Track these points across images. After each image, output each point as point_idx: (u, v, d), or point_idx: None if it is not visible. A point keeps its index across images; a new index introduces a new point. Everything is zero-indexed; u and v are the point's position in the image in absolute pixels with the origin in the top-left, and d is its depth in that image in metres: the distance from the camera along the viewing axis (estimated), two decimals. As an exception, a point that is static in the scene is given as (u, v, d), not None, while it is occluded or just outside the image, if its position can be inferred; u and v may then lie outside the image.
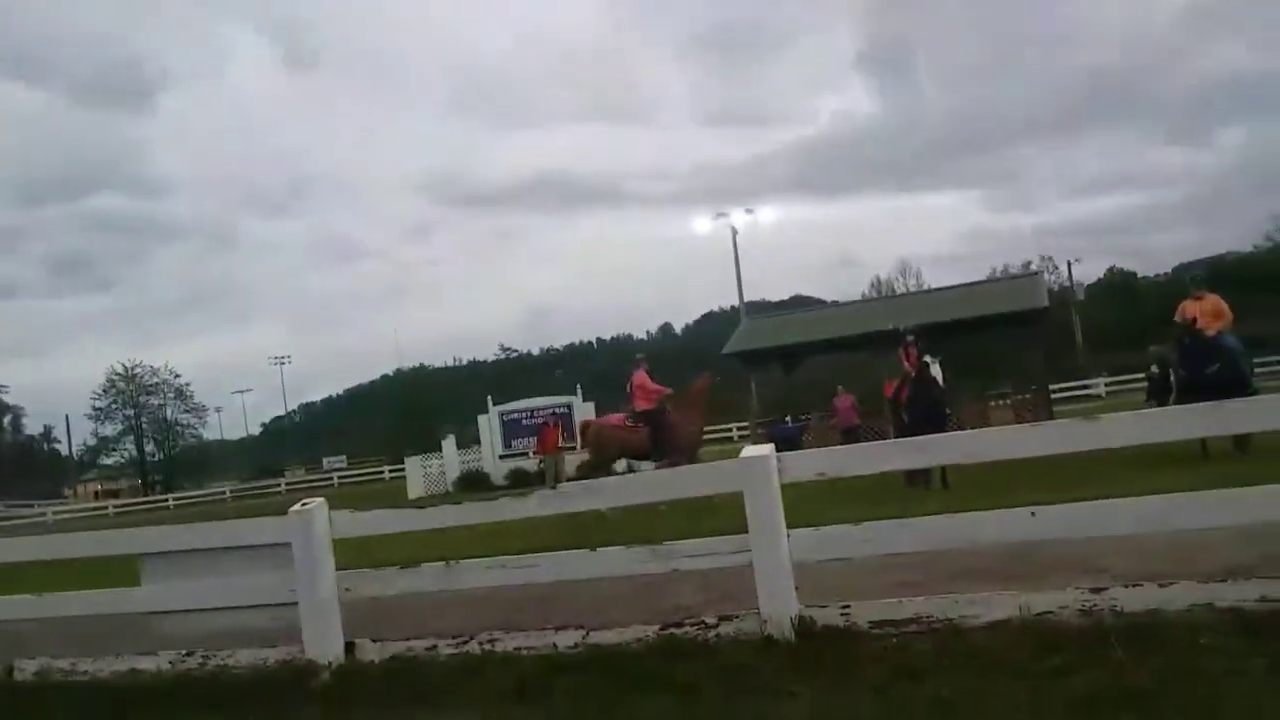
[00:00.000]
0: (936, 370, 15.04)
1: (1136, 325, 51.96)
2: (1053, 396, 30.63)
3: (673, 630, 5.21)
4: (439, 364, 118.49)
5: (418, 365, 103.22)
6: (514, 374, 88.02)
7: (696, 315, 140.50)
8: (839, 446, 5.53)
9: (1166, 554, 5.56)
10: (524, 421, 33.67)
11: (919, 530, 5.02)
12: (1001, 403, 25.55)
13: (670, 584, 6.50)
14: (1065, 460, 5.65)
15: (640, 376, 16.67)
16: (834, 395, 23.61)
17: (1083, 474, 11.64)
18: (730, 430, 48.89)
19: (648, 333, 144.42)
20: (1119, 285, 66.44)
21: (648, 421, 16.42)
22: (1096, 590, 4.76)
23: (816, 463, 5.22)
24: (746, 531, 5.03)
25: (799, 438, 23.60)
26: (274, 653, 5.59)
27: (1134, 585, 4.73)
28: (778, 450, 5.18)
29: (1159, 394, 16.01)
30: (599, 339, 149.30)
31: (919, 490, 14.23)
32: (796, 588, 5.02)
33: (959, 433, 5.85)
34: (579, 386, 34.97)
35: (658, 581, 5.85)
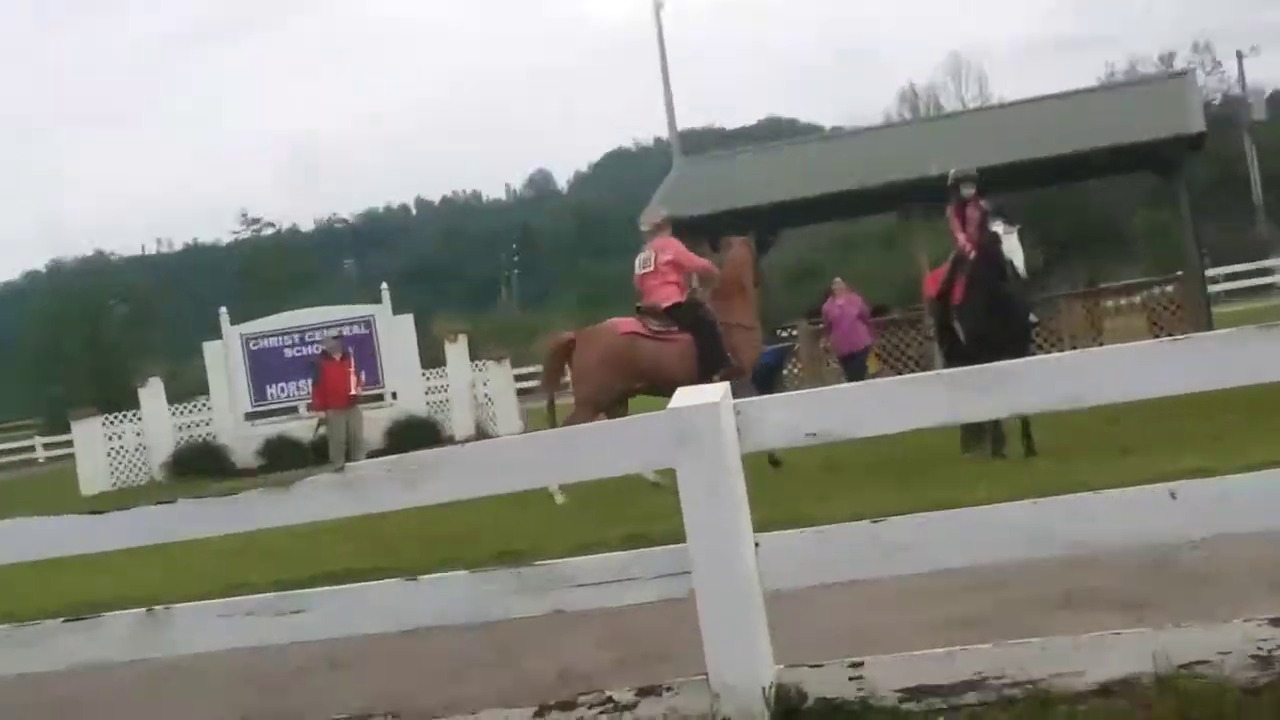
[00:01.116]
0: (1014, 247, 13.90)
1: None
2: (1213, 288, 29.76)
3: (557, 718, 4.98)
4: (128, 251, 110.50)
5: (92, 254, 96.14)
6: (265, 266, 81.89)
7: (595, 156, 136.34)
8: (840, 385, 4.58)
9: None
10: (288, 353, 29.84)
11: (980, 529, 4.67)
12: (1126, 301, 24.45)
13: (555, 633, 6.39)
14: (1230, 401, 4.93)
15: (670, 244, 15.88)
16: (827, 294, 22.23)
17: (1257, 423, 11.55)
18: None
19: (508, 188, 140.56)
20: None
21: (687, 323, 15.43)
22: (1277, 621, 4.50)
23: (804, 414, 4.78)
24: (685, 539, 4.71)
25: (776, 370, 22.83)
26: None
27: None
28: (739, 392, 4.83)
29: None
30: (420, 202, 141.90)
31: (982, 458, 13.78)
32: (772, 634, 4.74)
33: (1051, 356, 5.01)
34: (386, 288, 31.36)
35: (535, 630, 5.66)
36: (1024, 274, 13.76)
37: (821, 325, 23.30)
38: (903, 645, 4.97)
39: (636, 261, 15.91)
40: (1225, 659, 4.47)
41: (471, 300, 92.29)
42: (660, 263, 15.51)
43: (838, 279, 22.96)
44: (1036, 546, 4.68)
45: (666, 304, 15.32)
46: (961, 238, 14.54)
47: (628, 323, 15.44)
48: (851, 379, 19.34)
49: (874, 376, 19.98)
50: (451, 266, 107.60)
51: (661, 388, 14.25)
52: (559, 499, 13.86)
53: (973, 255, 14.18)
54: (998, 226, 13.81)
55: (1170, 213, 26.12)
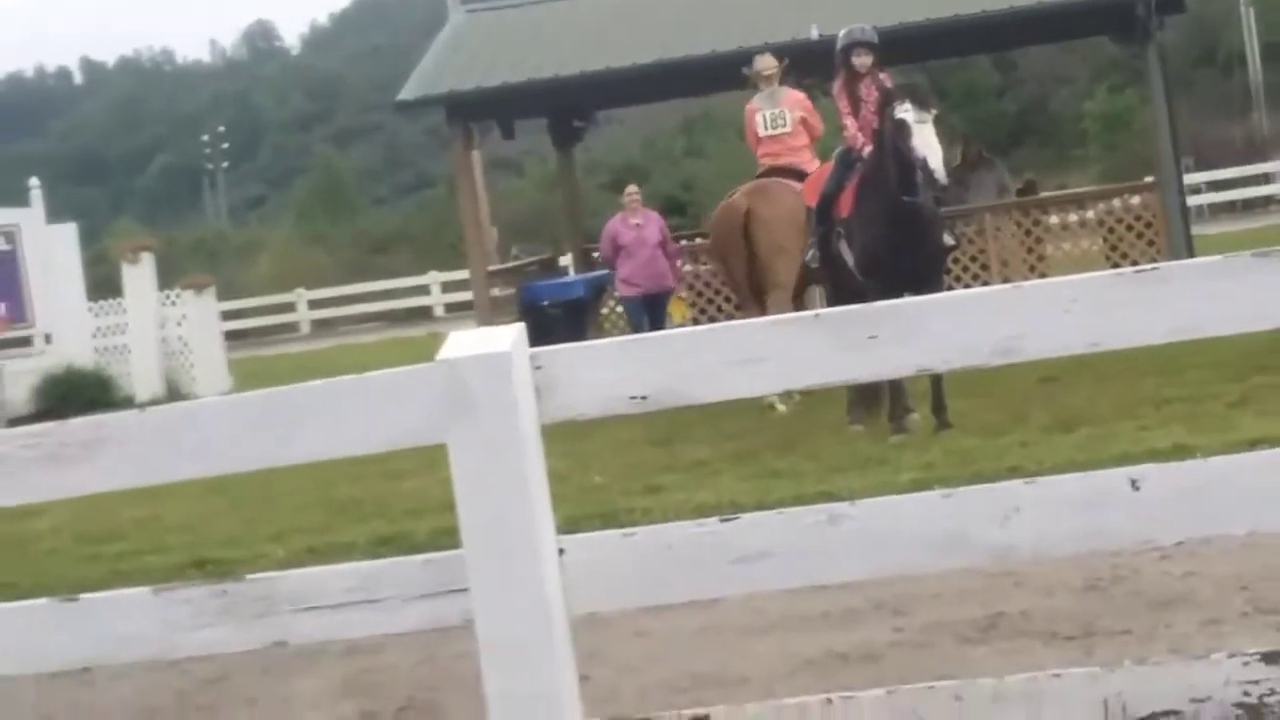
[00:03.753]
0: (927, 140, 13.87)
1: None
2: (1193, 199, 30.35)
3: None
4: None
5: None
6: None
7: (337, 4, 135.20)
8: (681, 331, 4.96)
9: None
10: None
11: (871, 530, 4.63)
12: (1076, 217, 25.03)
13: (277, 675, 6.39)
14: (1211, 355, 5.11)
15: (800, 98, 17.71)
16: (621, 210, 21.90)
17: (1247, 386, 11.96)
18: (425, 290, 49.26)
19: (215, 46, 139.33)
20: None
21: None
22: (1275, 658, 4.50)
23: (629, 369, 4.74)
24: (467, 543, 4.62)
25: (590, 306, 23.31)
26: None
27: None
28: (536, 336, 4.76)
29: None
30: (87, 64, 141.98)
31: (877, 431, 14.09)
32: (583, 677, 4.66)
33: (974, 292, 4.99)
34: (36, 185, 30.49)
35: (249, 670, 4.93)
36: (940, 179, 13.71)
37: (599, 256, 23.15)
38: (765, 691, 5.01)
39: (759, 119, 17.35)
40: (1202, 708, 4.53)
41: (161, 204, 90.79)
42: (795, 121, 17.10)
43: (631, 188, 22.61)
44: (949, 554, 4.69)
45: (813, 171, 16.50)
46: (851, 125, 14.63)
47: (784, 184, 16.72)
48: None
49: (681, 326, 20.23)
50: (132, 157, 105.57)
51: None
52: (779, 408, 14.93)
53: (867, 151, 14.27)
54: (904, 112, 13.71)
55: (1137, 97, 26.51)
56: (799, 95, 17.60)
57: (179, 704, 6.55)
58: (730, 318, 20.34)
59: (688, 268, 23.40)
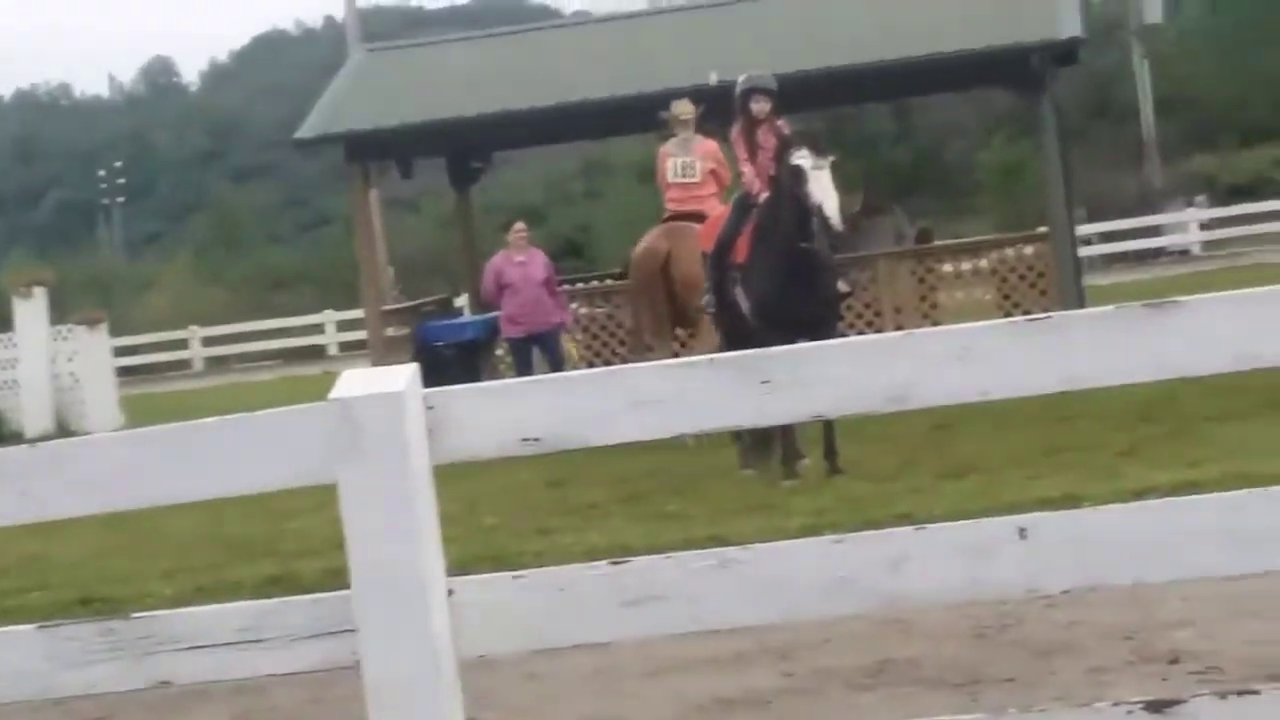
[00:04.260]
0: (823, 187, 13.96)
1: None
2: (1085, 250, 30.55)
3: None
4: None
5: None
6: None
7: (237, 43, 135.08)
8: (577, 373, 4.66)
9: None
10: None
11: (760, 575, 4.61)
12: (970, 265, 25.13)
13: (165, 714, 6.36)
14: (1101, 405, 5.17)
15: (711, 148, 17.97)
16: (506, 247, 21.64)
17: (1136, 435, 12.07)
18: (320, 329, 49.04)
19: (113, 81, 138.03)
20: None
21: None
22: (1157, 707, 4.44)
23: (523, 410, 4.71)
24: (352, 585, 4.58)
25: (485, 347, 23.16)
26: None
27: (1224, 694, 4.63)
28: (431, 376, 4.74)
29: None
30: None
31: (769, 476, 14.08)
32: None
33: (868, 339, 4.97)
34: None
35: (134, 710, 5.02)
36: (835, 225, 13.81)
37: (481, 294, 22.81)
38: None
39: (670, 165, 17.72)
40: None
41: (55, 238, 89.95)
42: (705, 171, 17.43)
43: (519, 225, 22.45)
44: (837, 600, 4.67)
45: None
46: (749, 171, 14.74)
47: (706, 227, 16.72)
48: (526, 373, 19.63)
49: (575, 368, 20.29)
50: (27, 190, 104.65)
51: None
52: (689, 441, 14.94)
53: (764, 197, 14.35)
54: (801, 158, 13.80)
55: (1031, 148, 26.77)
56: (711, 145, 17.73)
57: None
58: (622, 361, 20.36)
59: (582, 310, 23.42)
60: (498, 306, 21.22)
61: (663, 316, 17.93)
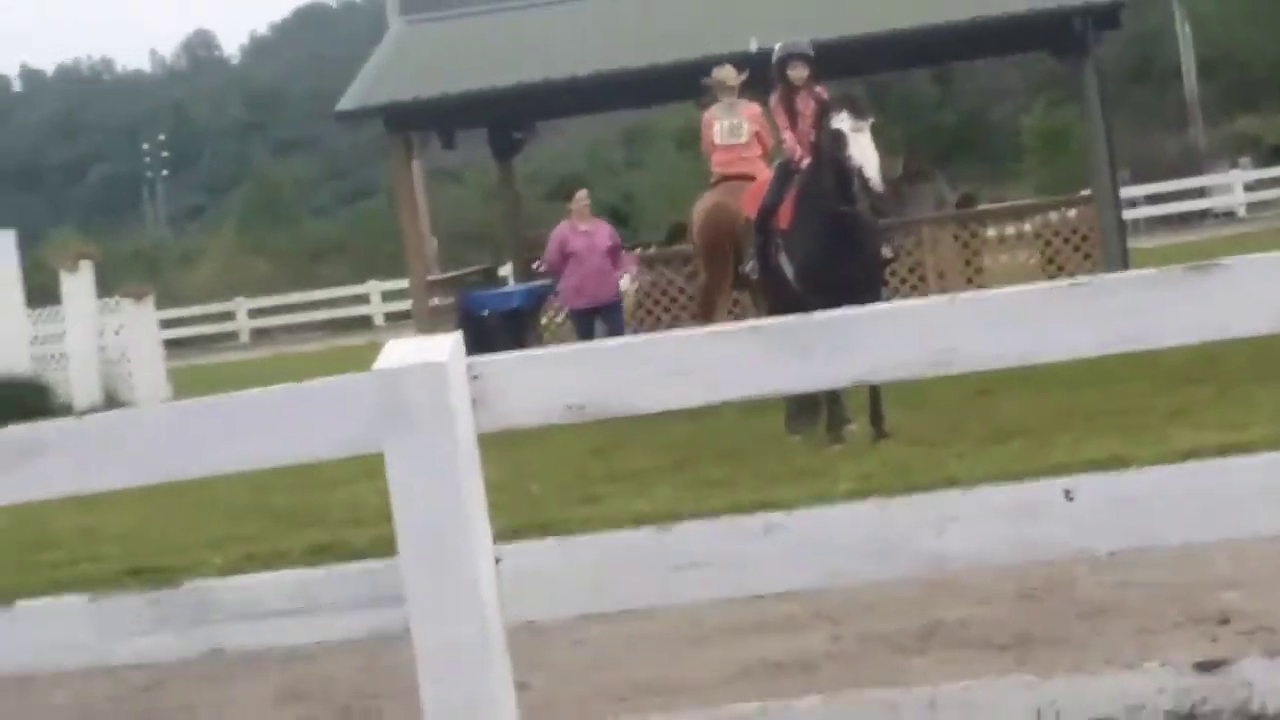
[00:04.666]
0: (864, 152, 13.86)
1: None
2: (1129, 213, 30.36)
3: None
4: None
5: None
6: None
7: (278, 15, 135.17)
8: (617, 340, 4.79)
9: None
10: None
11: (807, 540, 4.62)
12: (1013, 229, 24.90)
13: (216, 682, 6.35)
14: (1145, 367, 5.14)
15: (755, 110, 17.88)
16: (564, 218, 21.42)
17: (1180, 397, 12.05)
18: (365, 299, 49.14)
19: (155, 56, 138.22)
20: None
21: None
22: (1207, 668, 4.53)
23: (566, 378, 4.72)
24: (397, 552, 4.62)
25: (530, 316, 23.09)
26: None
27: (1274, 654, 4.85)
28: (476, 345, 4.79)
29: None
30: (27, 73, 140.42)
31: (815, 441, 14.08)
32: (519, 685, 4.64)
33: (910, 304, 4.93)
34: None
35: (187, 678, 5.36)
36: (876, 187, 13.70)
37: (540, 266, 22.58)
38: (702, 700, 5.01)
39: (718, 127, 17.64)
40: (1135, 717, 4.55)
41: (100, 213, 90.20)
42: (751, 133, 17.39)
43: (581, 193, 22.12)
44: (885, 564, 4.68)
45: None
46: (789, 138, 14.73)
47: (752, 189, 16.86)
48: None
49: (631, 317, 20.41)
50: (71, 165, 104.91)
51: None
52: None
53: (805, 162, 14.30)
54: (841, 123, 13.69)
55: (1074, 111, 26.57)
56: (756, 109, 17.66)
57: (115, 711, 6.51)
58: (668, 328, 20.29)
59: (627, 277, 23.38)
60: (559, 276, 20.91)
61: (729, 275, 17.76)
